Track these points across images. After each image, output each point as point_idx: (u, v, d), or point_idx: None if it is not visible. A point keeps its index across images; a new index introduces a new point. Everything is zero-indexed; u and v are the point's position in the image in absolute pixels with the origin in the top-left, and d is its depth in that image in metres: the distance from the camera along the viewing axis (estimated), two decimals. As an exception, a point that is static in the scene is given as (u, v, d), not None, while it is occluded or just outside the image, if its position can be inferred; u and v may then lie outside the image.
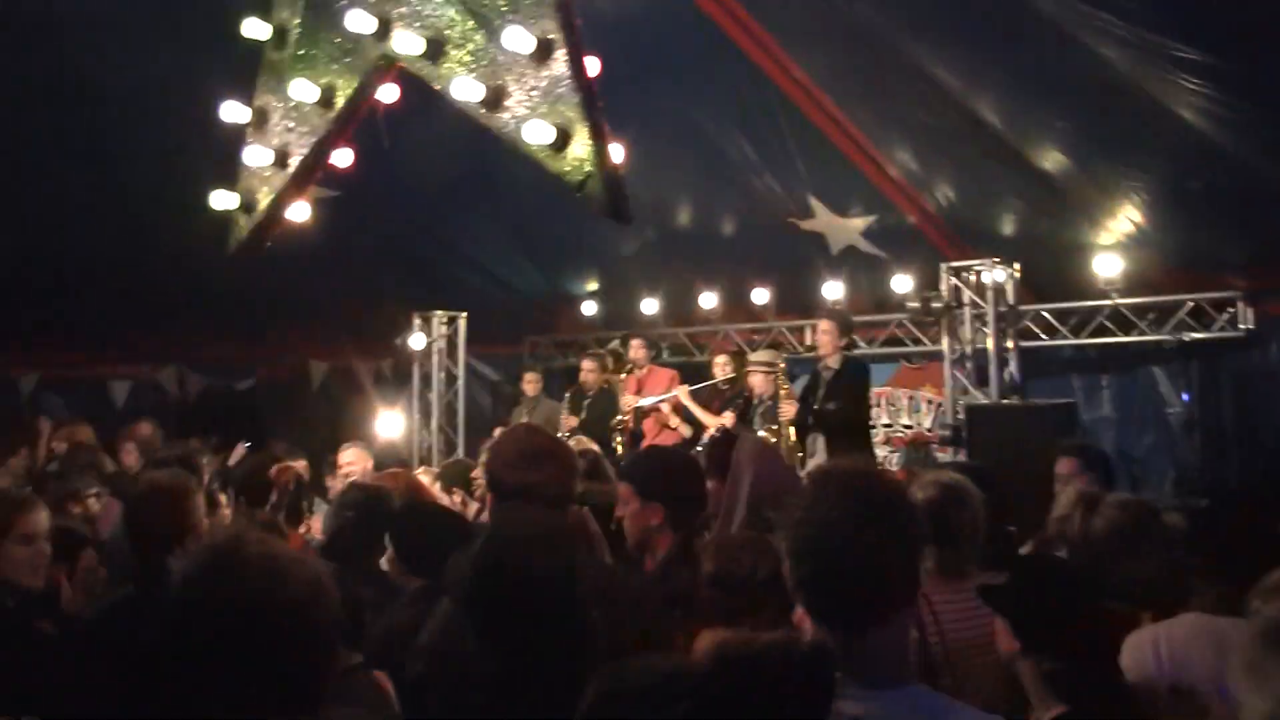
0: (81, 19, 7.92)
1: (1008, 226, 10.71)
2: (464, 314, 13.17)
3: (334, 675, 2.10)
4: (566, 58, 4.24)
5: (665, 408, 10.81)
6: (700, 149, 10.66)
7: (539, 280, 13.82)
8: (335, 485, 7.99)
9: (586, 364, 11.27)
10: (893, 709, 2.13)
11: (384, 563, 4.54)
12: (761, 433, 9.02)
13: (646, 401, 10.88)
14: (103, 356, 15.04)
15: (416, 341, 12.96)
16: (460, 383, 13.18)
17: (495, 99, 4.36)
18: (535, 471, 3.25)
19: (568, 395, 11.38)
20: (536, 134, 4.23)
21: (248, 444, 11.37)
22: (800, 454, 9.03)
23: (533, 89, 4.19)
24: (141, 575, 4.07)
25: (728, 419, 9.56)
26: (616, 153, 4.32)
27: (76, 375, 14.99)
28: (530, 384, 12.01)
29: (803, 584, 2.17)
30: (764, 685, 1.77)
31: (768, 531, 4.33)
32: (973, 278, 10.88)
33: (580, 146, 4.11)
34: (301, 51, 5.11)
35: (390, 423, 12.86)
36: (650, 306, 13.38)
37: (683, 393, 10.65)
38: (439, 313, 13.08)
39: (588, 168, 4.15)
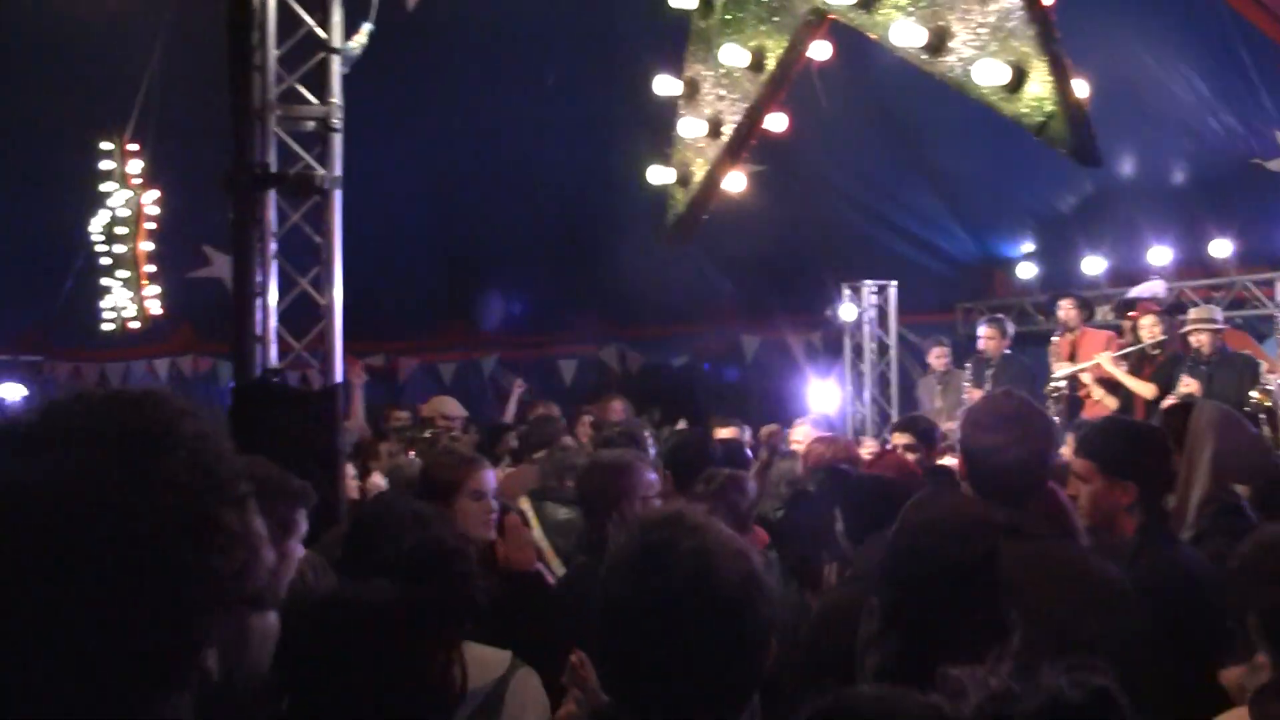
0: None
1: None
2: (894, 283, 12.87)
3: (757, 680, 1.92)
4: (1016, -14, 3.89)
5: (1086, 377, 9.83)
6: (1143, 88, 9.77)
7: (970, 245, 13.29)
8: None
9: (985, 330, 10.53)
10: None
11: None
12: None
13: (1062, 372, 10.00)
14: (552, 337, 16.10)
15: (847, 312, 12.81)
16: (892, 353, 12.89)
17: (938, 42, 4.07)
18: (1000, 434, 3.00)
19: (968, 365, 10.76)
20: (988, 75, 3.89)
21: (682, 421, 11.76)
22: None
23: (980, 26, 3.87)
24: (591, 546, 4.21)
25: (1193, 385, 8.58)
26: (1080, 88, 3.91)
27: (529, 355, 16.14)
28: (937, 358, 11.44)
29: None
30: None
31: (1234, 511, 3.88)
32: None
33: (1038, 84, 3.74)
34: (728, 16, 5.03)
35: (823, 395, 12.80)
36: (1093, 266, 12.48)
37: (1105, 360, 9.60)
38: (868, 282, 12.85)
39: (1049, 107, 3.77)
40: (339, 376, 6.17)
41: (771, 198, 12.82)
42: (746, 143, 5.13)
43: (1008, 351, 10.46)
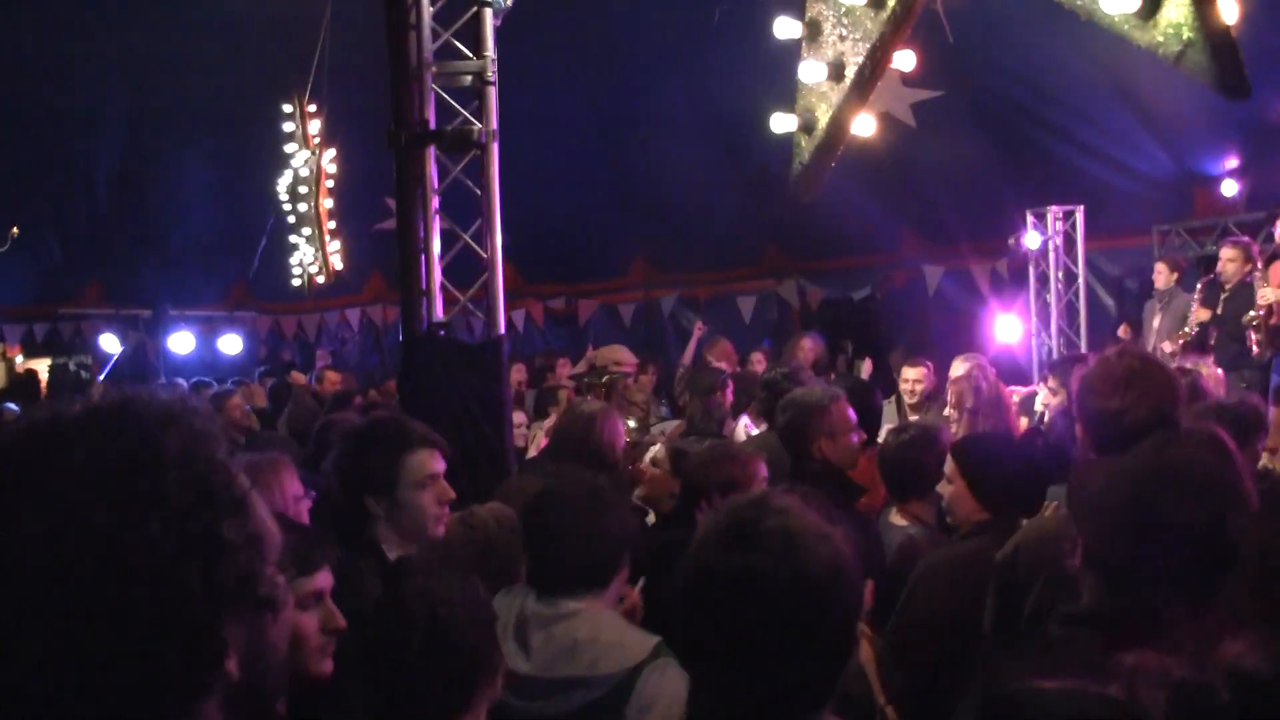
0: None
1: None
2: (1080, 207, 12.28)
3: (843, 665, 1.86)
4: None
5: None
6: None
7: (1166, 162, 12.54)
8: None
9: (1227, 252, 9.84)
10: None
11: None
12: None
13: (1274, 295, 9.24)
14: (731, 274, 16.05)
15: (1031, 240, 12.32)
16: (1080, 281, 12.34)
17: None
18: (1119, 397, 2.84)
19: (1200, 285, 10.10)
20: (1115, 1, 3.63)
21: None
22: None
23: (1106, -53, 3.59)
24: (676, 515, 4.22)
25: None
26: (1228, 10, 3.58)
27: (708, 292, 16.14)
28: (1160, 275, 10.84)
29: None
30: None
31: None
32: None
33: (1175, 9, 3.45)
34: (848, -47, 4.83)
35: (1007, 327, 12.39)
36: (1306, 180, 11.65)
37: None
38: (1054, 208, 12.31)
39: (1187, 34, 3.48)
40: (502, 327, 6.27)
41: (950, 122, 12.45)
42: (871, 84, 4.90)
43: (1248, 279, 9.78)
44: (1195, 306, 9.81)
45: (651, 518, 5.00)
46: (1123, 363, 2.98)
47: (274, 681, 1.29)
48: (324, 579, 2.35)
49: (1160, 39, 3.54)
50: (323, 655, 2.32)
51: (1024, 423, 6.24)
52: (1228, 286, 9.69)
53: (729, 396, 7.56)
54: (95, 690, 1.11)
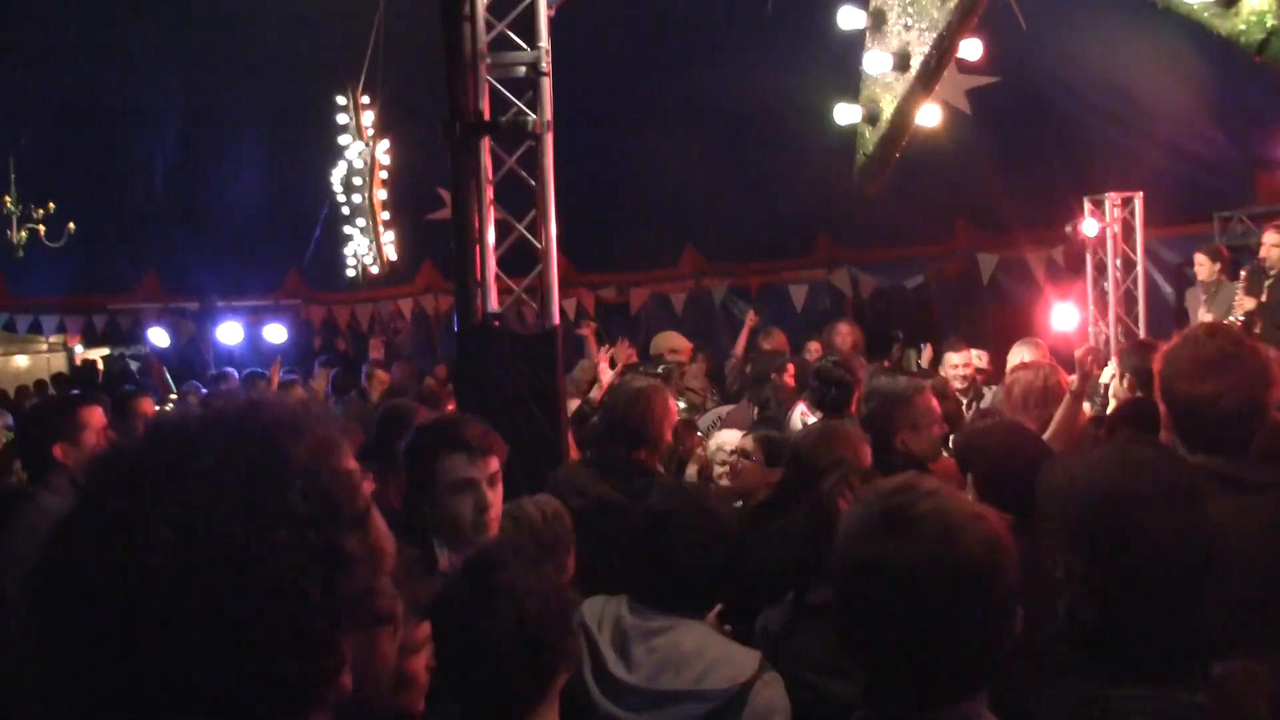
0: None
1: None
2: (1139, 194, 12.08)
3: (1002, 650, 1.81)
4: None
5: None
6: None
7: (1227, 146, 12.31)
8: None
9: (1270, 237, 9.67)
10: None
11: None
12: None
13: None
14: (783, 263, 15.98)
15: (1089, 228, 12.13)
16: (1139, 269, 12.15)
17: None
18: (1211, 382, 2.74)
19: (1243, 273, 9.93)
20: (1197, -13, 3.52)
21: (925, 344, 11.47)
22: None
23: (1187, -70, 3.48)
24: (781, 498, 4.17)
25: None
26: (1314, -5, 3.47)
27: (760, 281, 16.08)
28: (1202, 267, 10.63)
29: None
30: None
31: None
32: None
33: (1259, -3, 3.36)
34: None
35: (1064, 315, 12.22)
36: (1373, 163, 11.41)
37: None
38: (1112, 194, 12.11)
39: (1271, 22, 3.37)
40: (556, 318, 6.27)
41: (1006, 109, 12.29)
42: (938, 75, 4.80)
43: None
44: (1240, 295, 9.66)
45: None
46: (1214, 344, 2.85)
47: (383, 696, 1.29)
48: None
49: (1243, 27, 3.43)
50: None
51: (1087, 409, 6.13)
52: (1272, 272, 9.55)
53: (790, 380, 7.52)
54: (215, 699, 1.12)
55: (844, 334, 10.50)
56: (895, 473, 3.99)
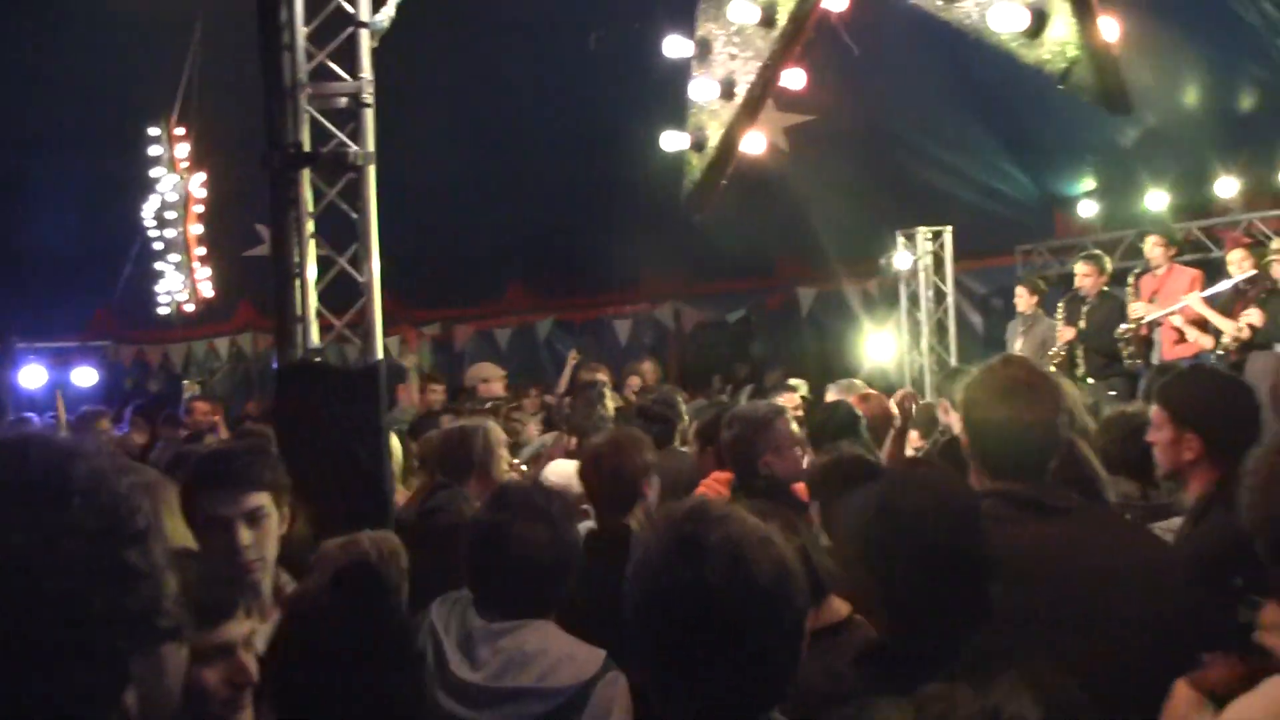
0: None
1: None
2: (949, 228, 12.61)
3: (795, 668, 1.90)
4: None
5: (1178, 320, 9.60)
6: (1205, 16, 9.45)
7: (1028, 185, 12.97)
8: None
9: (1082, 268, 10.29)
10: None
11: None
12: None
13: (1154, 315, 9.75)
14: (606, 297, 16.07)
15: (901, 260, 12.59)
16: (949, 300, 12.66)
17: (952, -16, 3.88)
18: (1005, 408, 2.84)
19: (1062, 304, 10.52)
20: (1005, 20, 3.67)
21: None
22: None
23: (996, -36, 3.69)
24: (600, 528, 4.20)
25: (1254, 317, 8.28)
26: (1109, 29, 3.69)
27: (584, 316, 16.14)
28: (1021, 298, 11.20)
29: None
30: None
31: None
32: None
33: (1061, 28, 3.55)
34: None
35: (879, 346, 12.63)
36: (1156, 201, 12.12)
37: (1195, 301, 9.40)
38: (923, 229, 12.61)
39: (1072, 52, 3.58)
40: (379, 353, 6.14)
41: (823, 146, 12.68)
42: (761, 103, 4.93)
43: (1105, 289, 10.23)
44: (1060, 326, 10.18)
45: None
46: (1008, 371, 2.94)
47: (173, 714, 1.26)
48: (232, 630, 2.22)
49: (1047, 56, 3.64)
50: (236, 709, 2.21)
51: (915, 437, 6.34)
52: (1088, 299, 10.10)
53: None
54: None
55: (646, 372, 10.85)
56: (760, 496, 4.10)
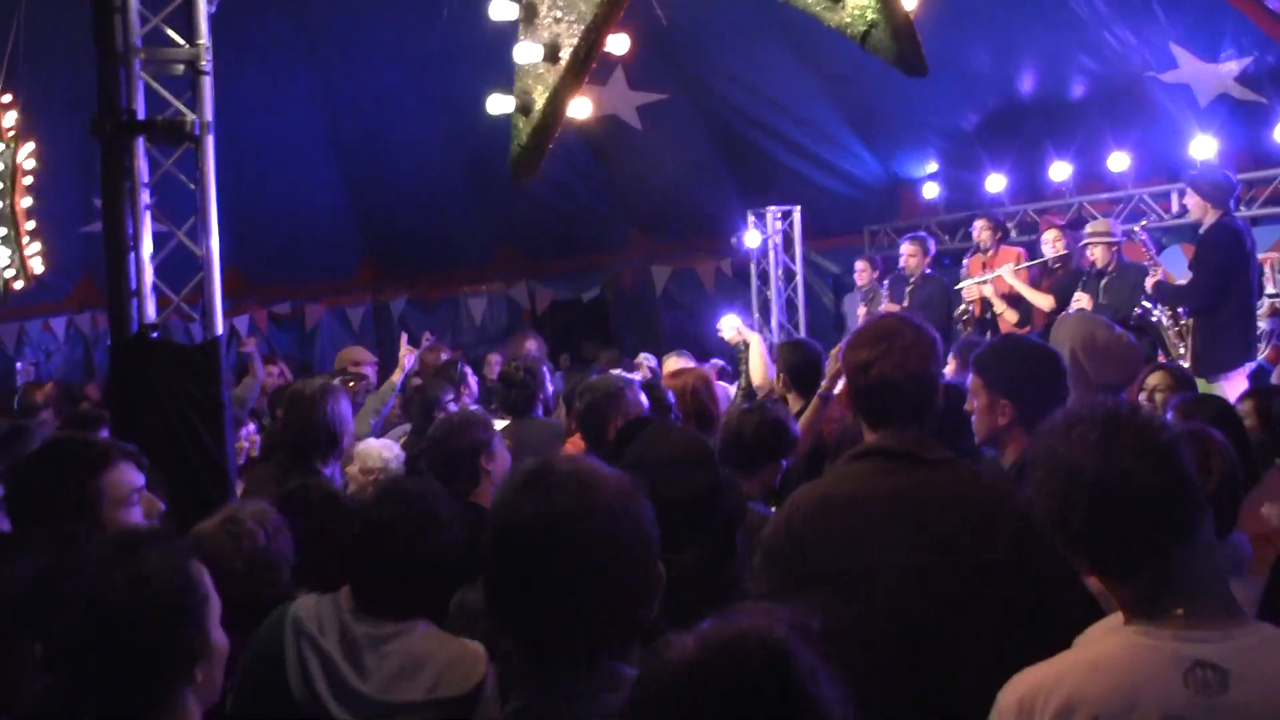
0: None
1: None
2: (797, 208, 12.85)
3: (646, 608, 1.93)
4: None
5: (988, 290, 9.96)
6: (1039, 4, 9.82)
7: (875, 167, 13.27)
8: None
9: (907, 248, 10.63)
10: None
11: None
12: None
13: (966, 284, 10.16)
14: (460, 275, 15.94)
15: (751, 239, 12.78)
16: (799, 279, 12.91)
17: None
18: (866, 350, 2.95)
19: (887, 282, 10.88)
20: (813, -15, 3.87)
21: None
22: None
23: (799, -68, 3.84)
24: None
25: (1083, 300, 8.64)
26: (907, -1, 3.91)
27: (438, 295, 15.98)
28: (862, 273, 11.55)
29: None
30: None
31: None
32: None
33: (861, -8, 3.74)
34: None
35: (731, 324, 12.79)
36: (996, 184, 12.53)
37: (1006, 272, 9.75)
38: (772, 208, 12.81)
39: (871, 15, 3.80)
40: (219, 329, 5.99)
41: (674, 125, 12.78)
42: (587, 67, 4.97)
43: (928, 270, 10.58)
44: (885, 302, 10.59)
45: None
46: (881, 323, 3.07)
47: None
48: None
49: (848, 19, 3.84)
50: None
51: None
52: (911, 280, 10.50)
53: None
54: None
55: (530, 348, 10.83)
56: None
